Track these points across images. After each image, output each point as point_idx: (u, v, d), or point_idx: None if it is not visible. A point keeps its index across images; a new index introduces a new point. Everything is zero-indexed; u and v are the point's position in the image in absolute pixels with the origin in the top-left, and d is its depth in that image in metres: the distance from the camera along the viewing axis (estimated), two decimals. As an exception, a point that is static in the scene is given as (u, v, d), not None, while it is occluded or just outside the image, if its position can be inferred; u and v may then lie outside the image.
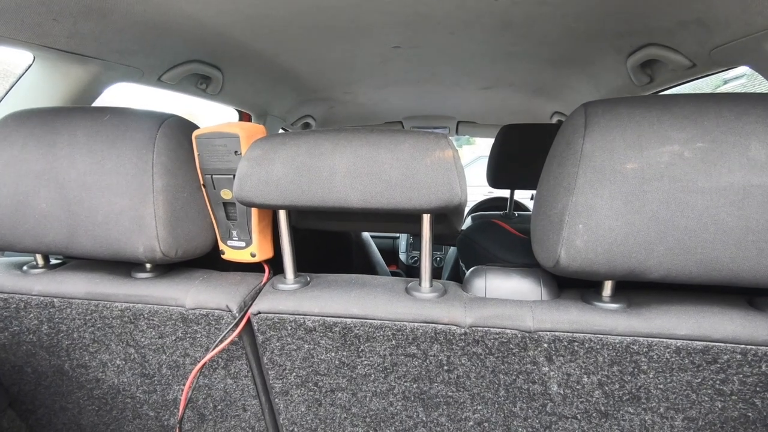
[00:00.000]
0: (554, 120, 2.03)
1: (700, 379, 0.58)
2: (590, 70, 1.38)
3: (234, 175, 0.66)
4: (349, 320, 0.63)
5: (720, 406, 0.60)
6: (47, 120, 0.68)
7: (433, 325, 0.61)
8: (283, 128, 2.13)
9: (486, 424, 0.70)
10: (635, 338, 0.57)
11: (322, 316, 0.64)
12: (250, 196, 0.62)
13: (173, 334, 0.71)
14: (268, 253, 0.78)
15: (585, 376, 0.61)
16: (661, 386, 0.60)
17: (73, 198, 0.66)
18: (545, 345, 0.60)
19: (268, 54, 1.28)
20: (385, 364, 0.67)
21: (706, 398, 0.60)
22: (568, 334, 0.58)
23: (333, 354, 0.67)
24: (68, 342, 0.75)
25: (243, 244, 0.75)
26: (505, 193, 1.69)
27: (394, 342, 0.64)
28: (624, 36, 1.08)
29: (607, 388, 0.62)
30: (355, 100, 2.00)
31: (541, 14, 0.97)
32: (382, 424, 0.74)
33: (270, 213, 0.77)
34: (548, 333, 0.59)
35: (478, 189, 3.07)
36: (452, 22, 1.03)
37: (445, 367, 0.65)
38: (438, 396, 0.69)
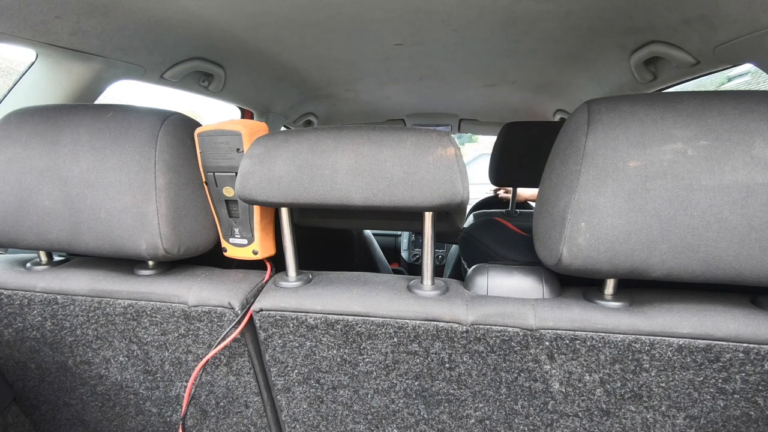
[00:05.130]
0: (557, 118, 2.02)
1: (702, 378, 0.58)
2: (593, 67, 1.37)
3: (236, 173, 0.67)
4: (350, 318, 0.64)
5: (722, 404, 0.60)
6: (50, 117, 0.69)
7: (435, 322, 0.61)
8: (285, 126, 2.13)
9: (487, 422, 0.70)
10: (637, 336, 0.57)
11: (324, 313, 0.64)
12: (253, 193, 0.63)
13: (176, 331, 0.71)
14: (270, 250, 0.78)
15: (587, 374, 0.61)
16: (663, 384, 0.60)
17: (76, 195, 0.67)
18: (547, 343, 0.60)
19: (270, 51, 1.28)
20: (387, 362, 0.67)
21: (708, 397, 0.60)
22: (570, 332, 0.58)
23: (335, 351, 0.67)
24: (71, 338, 0.76)
25: (245, 241, 0.76)
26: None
27: (395, 340, 0.64)
28: (627, 33, 1.07)
29: (608, 387, 0.62)
30: (357, 98, 2.00)
31: (544, 11, 0.97)
32: (383, 421, 0.75)
33: (272, 210, 0.77)
34: (550, 331, 0.59)
35: (480, 187, 3.06)
36: (455, 18, 1.03)
37: (447, 365, 0.65)
38: (439, 393, 0.69)
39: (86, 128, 0.67)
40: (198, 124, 0.73)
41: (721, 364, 0.56)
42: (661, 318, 0.57)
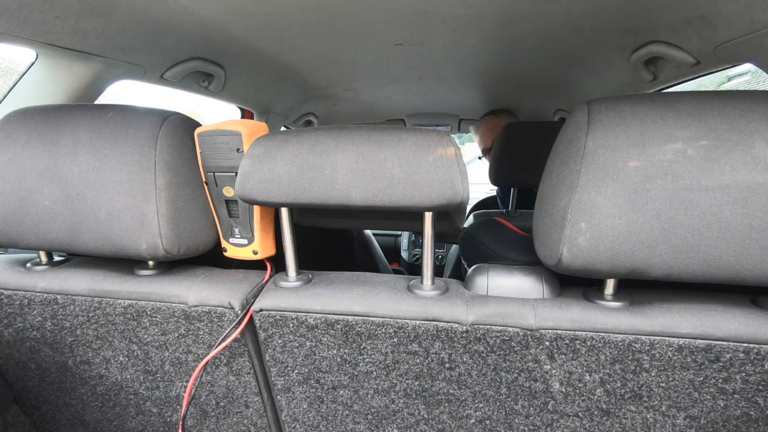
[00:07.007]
0: (557, 118, 2.02)
1: (702, 378, 0.58)
2: (593, 67, 1.37)
3: (236, 173, 0.67)
4: (350, 318, 0.64)
5: (722, 404, 0.60)
6: (50, 117, 0.69)
7: (435, 322, 0.61)
8: (285, 126, 2.13)
9: (487, 422, 0.70)
10: (637, 336, 0.57)
11: (324, 313, 0.64)
12: (253, 193, 0.63)
13: (176, 331, 0.71)
14: (270, 250, 0.78)
15: (587, 374, 0.61)
16: (663, 384, 0.60)
17: (76, 195, 0.67)
18: (547, 343, 0.60)
19: (270, 51, 1.28)
20: (387, 362, 0.67)
21: (708, 397, 0.60)
22: (570, 332, 0.58)
23: (335, 351, 0.67)
24: (72, 339, 0.76)
25: (245, 241, 0.76)
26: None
27: (395, 340, 0.64)
28: (628, 33, 1.07)
29: (608, 387, 0.62)
30: (357, 98, 2.00)
31: (544, 11, 0.97)
32: (383, 421, 0.75)
33: (272, 210, 0.77)
34: (550, 331, 0.59)
35: (480, 186, 3.06)
36: (455, 19, 1.03)
37: (447, 365, 0.65)
38: (440, 393, 0.69)
39: (86, 128, 0.67)
40: (198, 124, 0.73)
41: (721, 364, 0.56)
42: (661, 318, 0.57)
